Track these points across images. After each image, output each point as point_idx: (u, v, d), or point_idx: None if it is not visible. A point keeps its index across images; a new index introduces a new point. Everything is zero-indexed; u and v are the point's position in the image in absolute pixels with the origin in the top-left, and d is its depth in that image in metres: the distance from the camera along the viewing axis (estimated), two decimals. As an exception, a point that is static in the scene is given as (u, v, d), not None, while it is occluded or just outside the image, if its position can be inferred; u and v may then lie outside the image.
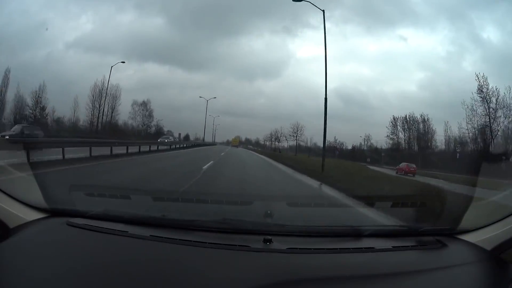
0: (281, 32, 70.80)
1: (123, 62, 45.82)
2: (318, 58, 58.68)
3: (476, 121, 31.76)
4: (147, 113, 44.28)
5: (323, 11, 17.33)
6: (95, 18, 61.21)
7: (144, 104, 43.87)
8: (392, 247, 1.86)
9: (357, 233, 2.01)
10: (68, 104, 38.33)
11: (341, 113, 54.74)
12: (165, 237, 1.77)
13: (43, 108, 34.66)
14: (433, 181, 13.44)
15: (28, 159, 8.28)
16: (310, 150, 42.51)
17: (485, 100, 30.88)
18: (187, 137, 44.24)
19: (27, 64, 41.61)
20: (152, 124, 44.02)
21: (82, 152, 11.59)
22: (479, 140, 31.50)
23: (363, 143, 44.13)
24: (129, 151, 15.50)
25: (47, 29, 44.31)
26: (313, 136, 43.95)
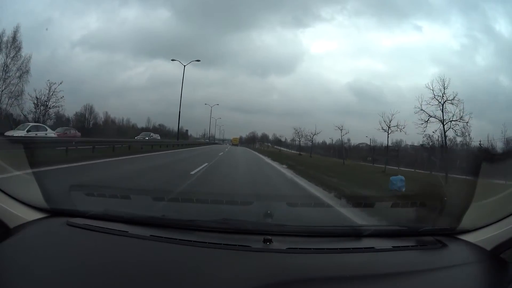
0: (293, 26, 69.68)
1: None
2: (331, 53, 57.50)
3: None
4: (16, 66, 19.44)
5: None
6: (99, 15, 61.21)
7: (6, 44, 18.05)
8: (392, 247, 1.86)
9: (357, 233, 2.01)
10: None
11: (355, 108, 52.87)
12: (165, 237, 1.77)
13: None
14: None
15: (28, 158, 8.26)
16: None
17: None
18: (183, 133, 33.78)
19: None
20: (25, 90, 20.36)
21: None
22: None
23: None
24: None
25: (47, 29, 43.85)
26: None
